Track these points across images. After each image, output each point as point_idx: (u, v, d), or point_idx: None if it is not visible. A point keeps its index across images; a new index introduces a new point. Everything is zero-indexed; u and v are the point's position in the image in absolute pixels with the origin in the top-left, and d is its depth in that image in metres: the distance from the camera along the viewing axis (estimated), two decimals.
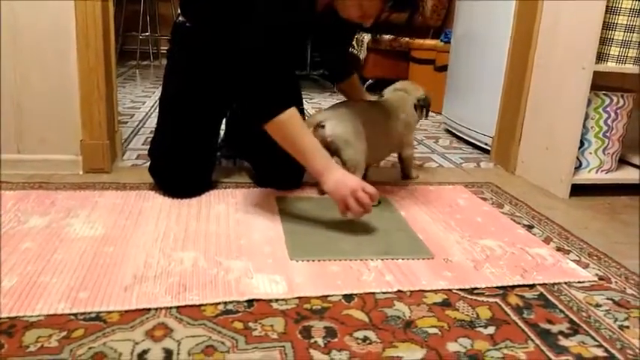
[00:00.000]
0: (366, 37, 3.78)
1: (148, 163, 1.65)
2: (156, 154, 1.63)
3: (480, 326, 1.01)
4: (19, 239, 1.24)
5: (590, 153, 1.87)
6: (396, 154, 1.89)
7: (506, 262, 1.28)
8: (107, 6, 1.74)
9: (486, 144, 2.37)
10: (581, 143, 1.84)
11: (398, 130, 1.73)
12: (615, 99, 1.82)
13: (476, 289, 1.15)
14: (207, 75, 1.58)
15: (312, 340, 0.93)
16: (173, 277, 1.11)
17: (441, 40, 3.55)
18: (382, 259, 1.25)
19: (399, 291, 1.11)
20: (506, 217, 1.60)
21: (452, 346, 0.94)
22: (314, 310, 1.02)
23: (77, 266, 1.13)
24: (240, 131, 1.84)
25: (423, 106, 1.83)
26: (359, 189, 1.31)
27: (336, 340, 0.93)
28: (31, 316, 0.94)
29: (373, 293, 1.10)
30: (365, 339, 0.94)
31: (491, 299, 1.11)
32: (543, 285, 1.18)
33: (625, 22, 1.73)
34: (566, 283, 1.20)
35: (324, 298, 1.07)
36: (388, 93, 1.84)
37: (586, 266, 1.30)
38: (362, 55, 3.81)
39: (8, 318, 0.94)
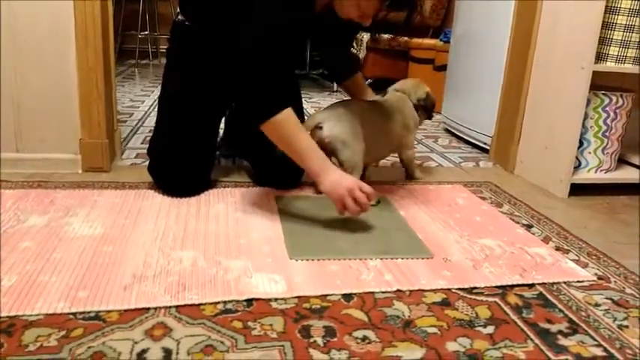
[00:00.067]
0: (365, 37, 3.78)
1: (147, 162, 1.65)
2: (155, 153, 1.62)
3: (480, 326, 1.01)
4: (18, 238, 1.24)
5: (590, 152, 1.88)
6: (396, 155, 1.89)
7: (505, 262, 1.28)
8: (106, 5, 1.74)
9: (485, 143, 2.37)
10: (581, 143, 1.84)
11: (396, 131, 1.72)
12: (614, 99, 1.82)
13: (475, 288, 1.15)
14: (206, 74, 1.57)
15: (312, 340, 0.93)
16: (172, 276, 1.11)
17: (441, 40, 3.55)
18: (381, 259, 1.25)
19: (399, 290, 1.11)
20: (505, 216, 1.60)
21: (451, 346, 0.94)
22: (313, 309, 1.03)
23: (76, 265, 1.13)
24: (240, 130, 1.84)
25: (425, 107, 1.81)
26: (356, 188, 1.31)
27: (335, 339, 0.93)
28: (31, 315, 0.94)
29: (372, 293, 1.10)
30: (364, 338, 0.94)
31: (490, 299, 1.11)
32: (542, 284, 1.18)
33: (624, 22, 1.73)
34: (565, 282, 1.20)
35: (323, 297, 1.07)
36: (389, 93, 1.83)
37: (585, 266, 1.30)
38: (361, 55, 3.80)
39: (8, 317, 0.94)
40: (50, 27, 1.63)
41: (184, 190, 1.57)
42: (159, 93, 1.67)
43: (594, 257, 1.36)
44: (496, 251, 1.34)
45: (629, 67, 1.78)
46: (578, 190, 1.83)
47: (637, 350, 0.96)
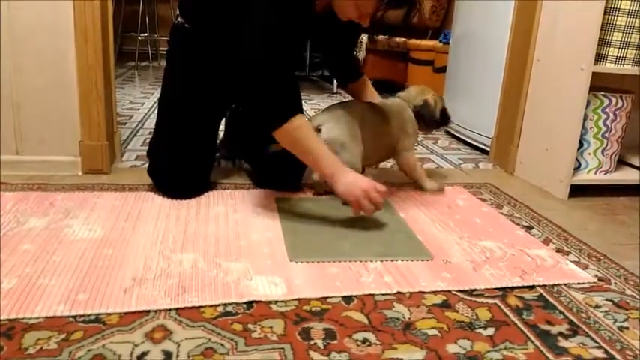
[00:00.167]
0: (365, 38, 3.78)
1: (147, 165, 1.65)
2: (155, 155, 1.62)
3: (480, 327, 1.01)
4: (18, 240, 1.24)
5: (589, 154, 1.88)
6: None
7: (505, 264, 1.28)
8: (106, 6, 1.74)
9: (485, 145, 2.37)
10: (580, 144, 1.84)
11: (393, 134, 1.69)
12: (614, 100, 1.82)
13: (475, 290, 1.15)
14: (206, 76, 1.58)
15: (312, 342, 0.93)
16: (172, 278, 1.11)
17: (440, 41, 3.56)
18: (381, 261, 1.25)
19: (399, 292, 1.11)
20: (505, 218, 1.60)
21: (451, 348, 0.94)
22: (313, 311, 1.02)
23: (76, 268, 1.13)
24: (240, 132, 1.84)
25: (422, 114, 1.74)
26: (371, 189, 1.34)
27: (335, 341, 0.93)
28: (31, 318, 0.94)
29: (373, 294, 1.10)
30: (364, 340, 0.94)
31: (490, 300, 1.11)
32: (543, 286, 1.18)
33: (623, 23, 1.73)
34: (565, 284, 1.20)
35: (323, 299, 1.07)
36: (392, 97, 1.81)
37: (585, 267, 1.30)
38: (361, 56, 3.81)
39: (7, 320, 0.94)
40: (50, 27, 1.63)
41: (184, 192, 1.57)
42: (159, 95, 1.67)
43: (594, 259, 1.36)
44: (496, 253, 1.34)
45: (628, 69, 1.78)
46: (577, 191, 1.83)
47: (637, 352, 0.96)
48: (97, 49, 1.67)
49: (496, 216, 1.61)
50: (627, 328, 1.04)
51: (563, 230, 1.53)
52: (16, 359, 0.84)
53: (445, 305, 1.08)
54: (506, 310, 1.08)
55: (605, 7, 1.70)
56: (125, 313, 0.98)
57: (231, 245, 1.28)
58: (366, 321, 1.00)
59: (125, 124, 2.54)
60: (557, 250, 1.39)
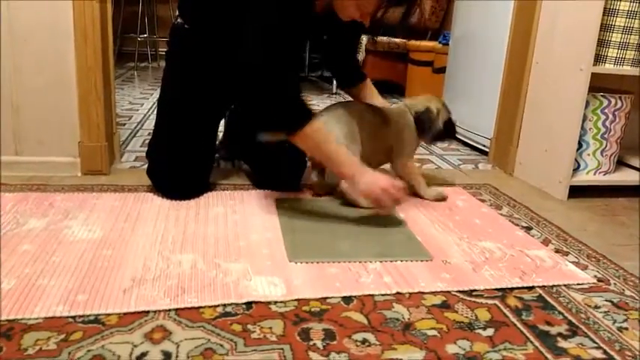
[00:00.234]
0: (364, 39, 3.78)
1: (146, 165, 1.64)
2: (154, 156, 1.62)
3: (479, 328, 1.01)
4: (17, 241, 1.24)
5: (589, 155, 1.88)
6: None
7: (505, 264, 1.28)
8: (105, 7, 1.74)
9: (484, 145, 2.38)
10: (579, 145, 1.85)
11: (390, 137, 1.67)
12: (613, 101, 1.82)
13: (475, 290, 1.15)
14: (205, 77, 1.58)
15: (311, 343, 0.93)
16: (172, 279, 1.11)
17: (440, 42, 3.56)
18: (381, 261, 1.25)
19: (398, 293, 1.11)
20: (504, 218, 1.60)
21: (451, 348, 0.94)
22: (313, 312, 1.02)
23: (75, 269, 1.13)
24: (239, 133, 1.84)
25: (423, 122, 1.69)
26: (390, 187, 1.38)
27: (335, 342, 0.93)
28: (30, 319, 0.94)
29: (372, 295, 1.10)
30: (364, 341, 0.94)
31: (490, 301, 1.11)
32: (542, 287, 1.18)
33: (622, 24, 1.73)
34: (564, 285, 1.20)
35: (322, 300, 1.07)
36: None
37: (585, 268, 1.30)
38: (360, 57, 3.81)
39: (7, 320, 0.93)
40: (49, 28, 1.63)
41: (183, 192, 1.57)
42: (158, 96, 1.67)
43: (594, 259, 1.36)
44: (496, 254, 1.34)
45: (627, 69, 1.78)
46: (577, 192, 1.83)
47: (637, 352, 0.96)
48: (96, 49, 1.67)
49: (495, 217, 1.61)
50: (626, 328, 1.04)
51: (562, 231, 1.53)
52: None
53: (444, 306, 1.08)
54: (505, 310, 1.08)
55: (605, 8, 1.70)
56: (124, 314, 0.98)
57: (230, 246, 1.28)
58: (365, 321, 1.00)
59: (124, 124, 2.54)
60: (557, 251, 1.39)
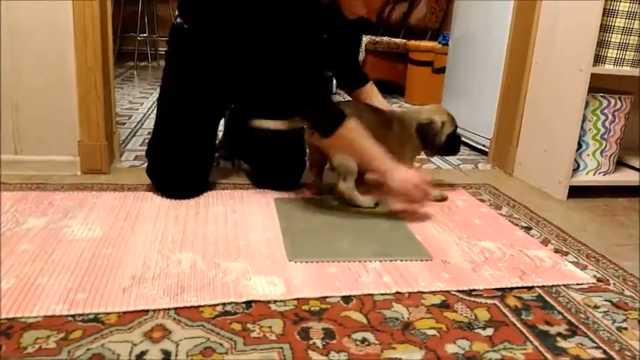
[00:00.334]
0: (365, 39, 3.79)
1: (146, 165, 1.64)
2: (153, 155, 1.62)
3: (479, 328, 1.01)
4: (17, 240, 1.24)
5: (588, 155, 1.88)
6: None
7: (504, 264, 1.28)
8: (105, 6, 1.74)
9: (484, 146, 2.38)
10: (579, 145, 1.85)
11: (390, 141, 1.66)
12: (613, 101, 1.82)
13: (474, 290, 1.15)
14: (205, 76, 1.57)
15: (311, 342, 0.93)
16: (171, 278, 1.11)
17: (439, 42, 3.56)
18: (380, 261, 1.25)
19: (398, 292, 1.11)
20: (504, 218, 1.60)
21: (450, 348, 0.94)
22: (312, 311, 1.02)
23: (75, 268, 1.13)
24: (239, 132, 1.84)
25: (425, 132, 1.65)
26: (421, 182, 1.44)
27: (334, 341, 0.93)
28: (29, 318, 0.94)
29: (371, 295, 1.10)
30: (363, 340, 0.94)
31: (489, 301, 1.11)
32: (542, 287, 1.18)
33: (622, 25, 1.73)
34: (564, 284, 1.20)
35: (322, 299, 1.07)
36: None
37: (584, 268, 1.30)
38: (360, 57, 3.81)
39: (6, 319, 0.93)
40: (49, 28, 1.63)
41: (183, 192, 1.57)
42: (157, 95, 1.67)
43: (593, 259, 1.36)
44: (495, 254, 1.34)
45: (627, 70, 1.78)
46: (576, 192, 1.83)
47: (636, 352, 0.96)
48: (96, 49, 1.67)
49: (495, 216, 1.61)
50: (626, 328, 1.04)
51: (562, 231, 1.53)
52: (15, 358, 0.84)
53: (444, 305, 1.08)
54: (505, 310, 1.08)
55: (604, 9, 1.70)
56: (124, 313, 0.98)
57: (230, 245, 1.28)
58: (365, 321, 1.00)
59: (124, 124, 2.54)
60: (556, 251, 1.39)
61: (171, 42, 1.64)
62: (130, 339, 0.90)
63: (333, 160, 1.54)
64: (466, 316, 1.04)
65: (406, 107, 1.72)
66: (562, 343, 0.98)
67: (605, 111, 1.83)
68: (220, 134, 1.95)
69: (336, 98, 1.93)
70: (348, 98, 1.84)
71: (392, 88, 3.95)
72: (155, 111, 1.67)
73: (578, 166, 1.89)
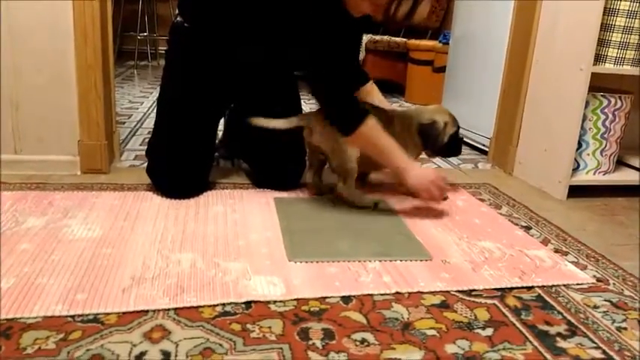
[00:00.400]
0: (365, 38, 3.78)
1: (146, 164, 1.64)
2: (153, 154, 1.62)
3: (478, 328, 1.01)
4: (16, 240, 1.24)
5: (588, 154, 1.88)
6: None
7: (504, 264, 1.28)
8: (105, 5, 1.74)
9: (484, 145, 2.38)
10: (579, 145, 1.85)
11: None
12: (613, 100, 1.82)
13: (474, 290, 1.15)
14: (205, 75, 1.57)
15: (310, 342, 0.93)
16: (171, 278, 1.11)
17: (440, 42, 3.56)
18: (380, 261, 1.25)
19: (397, 292, 1.11)
20: (504, 218, 1.60)
21: (450, 348, 0.94)
22: (312, 311, 1.02)
23: (75, 268, 1.13)
24: (239, 132, 1.84)
25: (428, 134, 1.63)
26: (438, 179, 1.47)
27: (334, 342, 0.93)
28: (29, 318, 0.94)
29: (371, 295, 1.10)
30: (363, 341, 0.94)
31: (489, 301, 1.11)
32: (541, 287, 1.18)
33: (623, 24, 1.73)
34: (564, 284, 1.20)
35: (322, 299, 1.07)
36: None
37: (584, 268, 1.30)
38: (360, 56, 3.80)
39: (5, 319, 0.93)
40: (49, 27, 1.63)
41: (183, 191, 1.57)
42: (157, 94, 1.67)
43: (593, 259, 1.36)
44: (495, 253, 1.34)
45: (627, 69, 1.78)
46: (576, 191, 1.83)
47: (636, 352, 0.96)
48: (96, 48, 1.67)
49: (495, 216, 1.61)
50: (625, 328, 1.04)
51: (561, 231, 1.53)
52: (14, 359, 0.84)
53: (444, 306, 1.08)
54: (504, 310, 1.08)
55: (605, 8, 1.70)
56: (123, 313, 0.98)
57: (229, 245, 1.28)
58: (364, 321, 1.00)
59: (124, 123, 2.53)
60: (556, 251, 1.39)
61: (171, 41, 1.64)
62: (130, 339, 0.90)
63: (332, 161, 1.54)
64: (466, 316, 1.04)
65: (406, 106, 1.71)
66: (562, 343, 0.98)
67: (606, 110, 1.82)
68: (220, 134, 1.95)
69: None
70: None
71: (392, 88, 3.95)
72: (155, 110, 1.67)
73: (578, 165, 1.89)
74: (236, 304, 1.03)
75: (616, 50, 1.76)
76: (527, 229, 1.53)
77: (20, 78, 1.65)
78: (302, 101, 1.79)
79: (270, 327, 0.96)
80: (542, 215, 1.65)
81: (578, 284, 1.21)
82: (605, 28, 1.75)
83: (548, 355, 0.94)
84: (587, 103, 1.78)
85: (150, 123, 2.53)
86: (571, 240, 1.47)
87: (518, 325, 1.03)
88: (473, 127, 2.48)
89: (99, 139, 1.74)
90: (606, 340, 1.00)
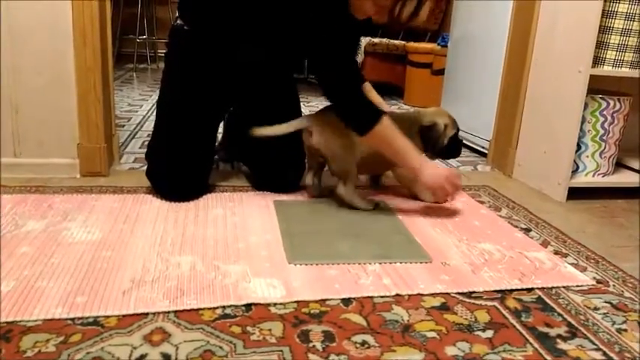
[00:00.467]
0: (363, 41, 3.79)
1: (145, 167, 1.64)
2: (153, 157, 1.62)
3: (479, 330, 1.01)
4: (16, 243, 1.23)
5: (587, 156, 1.88)
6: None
7: (504, 266, 1.28)
8: (104, 6, 1.74)
9: (484, 147, 2.38)
10: (578, 147, 1.85)
11: None
12: (612, 102, 1.82)
13: (474, 292, 1.15)
14: (204, 78, 1.57)
15: (311, 345, 0.93)
16: (171, 281, 1.11)
17: (439, 44, 3.56)
18: (380, 263, 1.25)
19: (397, 295, 1.11)
20: (503, 220, 1.60)
21: (450, 350, 0.94)
22: (312, 314, 1.02)
23: (74, 271, 1.12)
24: (238, 134, 1.84)
25: (429, 136, 1.63)
26: (452, 176, 1.49)
27: (334, 344, 0.93)
28: (29, 321, 0.94)
29: (371, 297, 1.10)
30: (363, 343, 0.94)
31: (489, 303, 1.11)
32: (541, 288, 1.18)
33: (621, 26, 1.73)
34: (564, 286, 1.20)
35: (322, 302, 1.07)
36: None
37: (584, 269, 1.30)
38: (359, 59, 3.81)
39: (5, 323, 0.93)
40: (48, 28, 1.63)
41: (182, 194, 1.57)
42: (157, 97, 1.67)
43: (593, 261, 1.36)
44: (495, 255, 1.34)
45: (626, 71, 1.78)
46: (576, 193, 1.83)
47: (636, 354, 0.96)
48: (95, 50, 1.67)
49: (494, 218, 1.61)
50: (626, 330, 1.04)
51: (561, 233, 1.53)
52: None
53: (444, 308, 1.08)
54: (504, 312, 1.08)
55: (603, 10, 1.70)
56: (123, 316, 0.97)
57: (229, 248, 1.28)
58: (364, 323, 1.00)
59: (123, 126, 2.53)
60: (556, 253, 1.39)
61: (170, 44, 1.64)
62: (130, 342, 0.90)
63: (332, 164, 1.54)
64: (466, 318, 1.04)
65: (405, 109, 1.71)
66: (562, 345, 0.98)
67: (604, 112, 1.83)
68: (220, 136, 1.95)
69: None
70: None
71: (391, 90, 3.95)
72: (154, 113, 1.67)
73: (578, 167, 1.89)
74: (236, 306, 1.03)
75: (614, 52, 1.76)
76: (527, 231, 1.53)
77: (20, 79, 1.65)
78: (301, 104, 1.79)
79: (270, 329, 0.96)
80: (541, 217, 1.65)
81: (578, 286, 1.21)
82: (603, 30, 1.75)
83: (548, 357, 0.94)
84: (586, 106, 1.79)
85: (149, 126, 2.53)
86: (571, 242, 1.47)
87: (518, 327, 1.03)
88: (472, 129, 2.48)
89: (98, 142, 1.74)
90: (606, 341, 1.00)
